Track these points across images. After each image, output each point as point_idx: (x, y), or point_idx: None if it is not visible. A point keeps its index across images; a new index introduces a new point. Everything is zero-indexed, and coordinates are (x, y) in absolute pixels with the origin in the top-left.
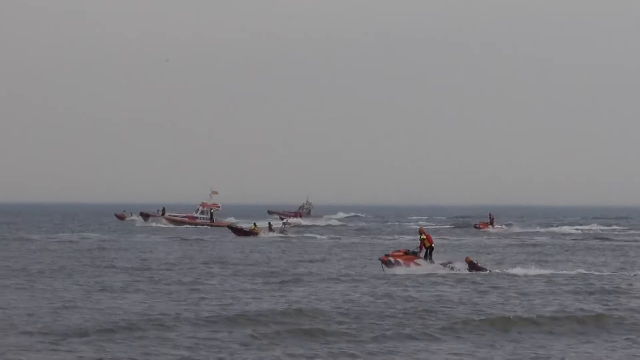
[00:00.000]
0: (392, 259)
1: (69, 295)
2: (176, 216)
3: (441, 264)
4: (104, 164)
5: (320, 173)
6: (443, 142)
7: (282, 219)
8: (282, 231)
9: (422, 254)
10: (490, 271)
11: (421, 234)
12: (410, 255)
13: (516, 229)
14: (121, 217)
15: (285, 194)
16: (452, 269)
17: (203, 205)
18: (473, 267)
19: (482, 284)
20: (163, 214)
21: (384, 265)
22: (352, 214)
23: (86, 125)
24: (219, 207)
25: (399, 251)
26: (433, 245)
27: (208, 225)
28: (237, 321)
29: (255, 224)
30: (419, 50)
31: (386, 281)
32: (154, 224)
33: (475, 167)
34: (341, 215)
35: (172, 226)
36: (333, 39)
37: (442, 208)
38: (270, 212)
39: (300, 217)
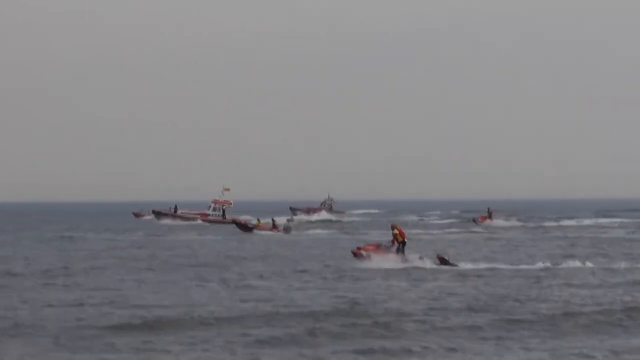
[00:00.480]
0: (363, 252)
1: (115, 292)
2: (188, 213)
3: (417, 258)
4: (105, 163)
5: (320, 171)
6: (446, 139)
7: (293, 216)
8: (285, 228)
9: (394, 248)
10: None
11: (393, 229)
12: (382, 249)
13: (550, 222)
14: (139, 215)
15: (284, 192)
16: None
17: (215, 202)
18: (443, 262)
19: (540, 277)
20: (175, 211)
21: (356, 258)
22: (372, 210)
23: (88, 125)
24: (231, 203)
25: (370, 244)
26: (405, 240)
27: (220, 222)
28: (296, 318)
29: (258, 219)
30: (419, 49)
31: (445, 276)
32: (179, 221)
33: (482, 161)
34: (365, 210)
35: (201, 222)
36: (333, 38)
37: (449, 202)
38: (292, 209)
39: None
